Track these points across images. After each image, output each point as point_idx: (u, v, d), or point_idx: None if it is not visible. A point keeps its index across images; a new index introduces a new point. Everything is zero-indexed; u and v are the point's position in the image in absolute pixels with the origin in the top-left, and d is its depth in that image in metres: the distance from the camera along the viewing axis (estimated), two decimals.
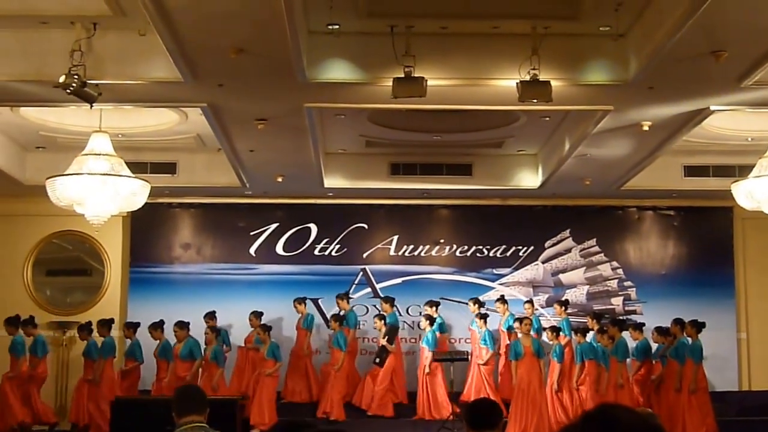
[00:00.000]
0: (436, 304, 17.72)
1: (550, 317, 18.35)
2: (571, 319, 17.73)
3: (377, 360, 16.83)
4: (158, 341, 16.88)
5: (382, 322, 17.31)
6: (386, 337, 16.96)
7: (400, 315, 18.24)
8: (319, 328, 18.23)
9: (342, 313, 17.67)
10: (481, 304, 17.77)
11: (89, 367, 16.67)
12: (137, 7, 9.67)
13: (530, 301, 18.02)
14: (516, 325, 16.67)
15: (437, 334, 17.35)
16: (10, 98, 12.62)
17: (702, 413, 15.36)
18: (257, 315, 17.41)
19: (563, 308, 17.71)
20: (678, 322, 16.14)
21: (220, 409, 5.69)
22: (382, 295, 18.42)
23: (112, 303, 18.60)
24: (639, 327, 16.81)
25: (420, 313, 18.13)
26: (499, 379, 17.32)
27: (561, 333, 16.91)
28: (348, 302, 17.95)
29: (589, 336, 16.57)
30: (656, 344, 16.67)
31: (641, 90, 11.88)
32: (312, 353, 17.66)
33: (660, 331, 16.61)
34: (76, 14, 10.77)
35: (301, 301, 17.74)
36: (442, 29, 11.32)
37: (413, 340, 18.38)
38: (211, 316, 17.40)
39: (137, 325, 17.21)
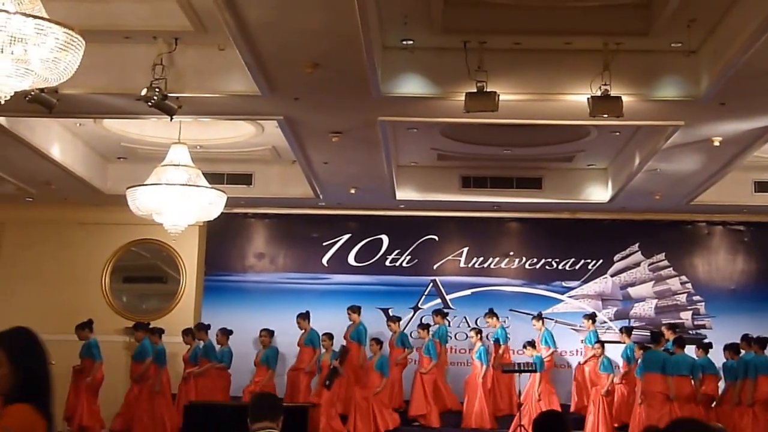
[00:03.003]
0: (495, 315, 18.03)
1: (617, 330, 18.40)
2: (638, 333, 17.80)
3: (327, 383, 16.41)
4: (189, 346, 17.50)
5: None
6: (338, 359, 16.72)
7: (469, 326, 18.37)
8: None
9: (436, 326, 17.95)
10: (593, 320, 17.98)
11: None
12: (218, 23, 9.91)
13: (538, 316, 18.04)
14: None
15: (435, 341, 17.60)
16: (93, 110, 12.93)
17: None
18: (355, 309, 17.74)
19: (591, 321, 17.81)
20: (744, 338, 16.18)
21: (291, 416, 5.85)
22: (452, 306, 18.61)
23: (187, 310, 18.99)
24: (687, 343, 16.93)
25: (488, 324, 18.33)
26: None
27: (541, 345, 17.37)
28: (444, 318, 18.15)
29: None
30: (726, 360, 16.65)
31: (712, 106, 11.88)
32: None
33: (729, 347, 16.59)
34: (159, 29, 11.06)
35: (304, 316, 17.64)
36: (515, 45, 11.43)
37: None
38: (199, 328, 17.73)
39: (208, 327, 17.57)
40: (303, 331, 17.48)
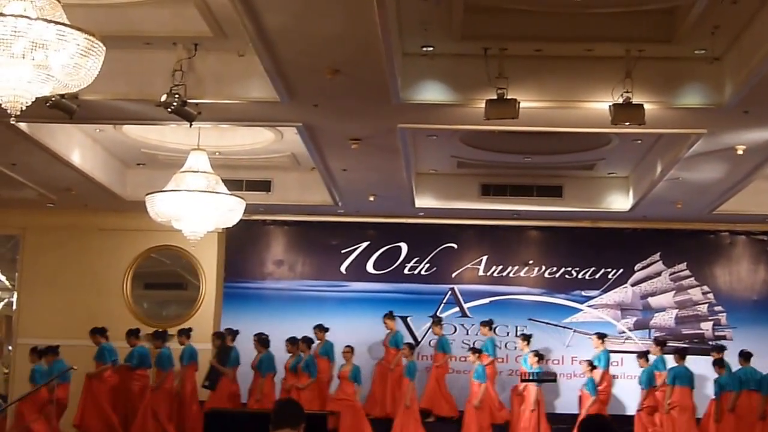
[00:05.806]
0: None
1: (637, 340, 18.33)
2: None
3: (207, 383, 16.60)
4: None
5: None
6: (216, 358, 16.83)
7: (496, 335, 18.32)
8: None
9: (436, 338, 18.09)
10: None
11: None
12: (237, 29, 9.91)
13: (486, 321, 18.14)
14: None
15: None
16: (113, 116, 12.95)
17: None
18: (391, 316, 18.02)
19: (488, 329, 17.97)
20: (741, 354, 16.56)
21: (310, 423, 5.83)
22: (470, 315, 18.56)
23: (207, 317, 19.01)
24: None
25: (508, 333, 18.27)
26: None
27: (482, 353, 17.33)
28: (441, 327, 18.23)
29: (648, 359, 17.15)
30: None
31: (736, 114, 11.78)
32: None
33: (718, 362, 16.71)
34: (179, 35, 11.06)
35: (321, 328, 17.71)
36: (536, 52, 11.38)
37: (500, 360, 18.36)
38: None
39: (102, 330, 17.17)
40: (319, 341, 17.49)
